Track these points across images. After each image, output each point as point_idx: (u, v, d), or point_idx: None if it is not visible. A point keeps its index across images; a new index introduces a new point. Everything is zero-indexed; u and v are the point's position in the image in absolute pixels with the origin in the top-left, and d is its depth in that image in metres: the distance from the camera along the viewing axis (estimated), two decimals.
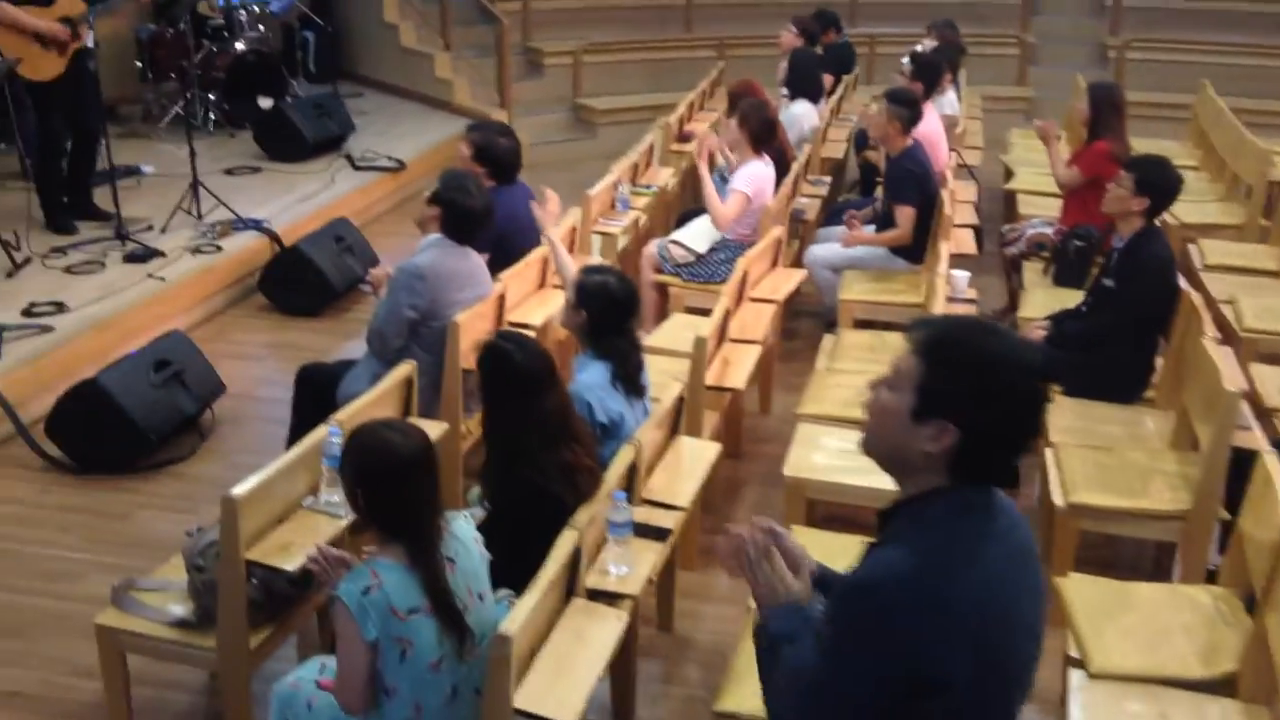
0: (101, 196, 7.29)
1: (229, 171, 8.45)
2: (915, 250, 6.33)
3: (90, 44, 6.84)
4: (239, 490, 3.19)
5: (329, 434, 3.54)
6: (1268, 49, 11.07)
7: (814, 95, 7.85)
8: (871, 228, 6.52)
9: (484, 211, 4.65)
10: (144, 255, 6.70)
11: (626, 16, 11.70)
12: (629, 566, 3.28)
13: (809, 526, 4.00)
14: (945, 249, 5.29)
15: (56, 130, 6.90)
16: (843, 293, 6.03)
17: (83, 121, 7.03)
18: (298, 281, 6.87)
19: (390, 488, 2.73)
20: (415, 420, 4.14)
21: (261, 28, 9.82)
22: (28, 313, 5.90)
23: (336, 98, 9.79)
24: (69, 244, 6.83)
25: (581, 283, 3.93)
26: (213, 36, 9.51)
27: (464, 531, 2.88)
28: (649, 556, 3.37)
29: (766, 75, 10.15)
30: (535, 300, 5.27)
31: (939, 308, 4.62)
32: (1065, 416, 4.71)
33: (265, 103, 9.43)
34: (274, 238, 7.27)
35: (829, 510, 4.46)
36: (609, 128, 10.58)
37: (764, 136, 6.22)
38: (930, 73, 7.17)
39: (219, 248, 6.96)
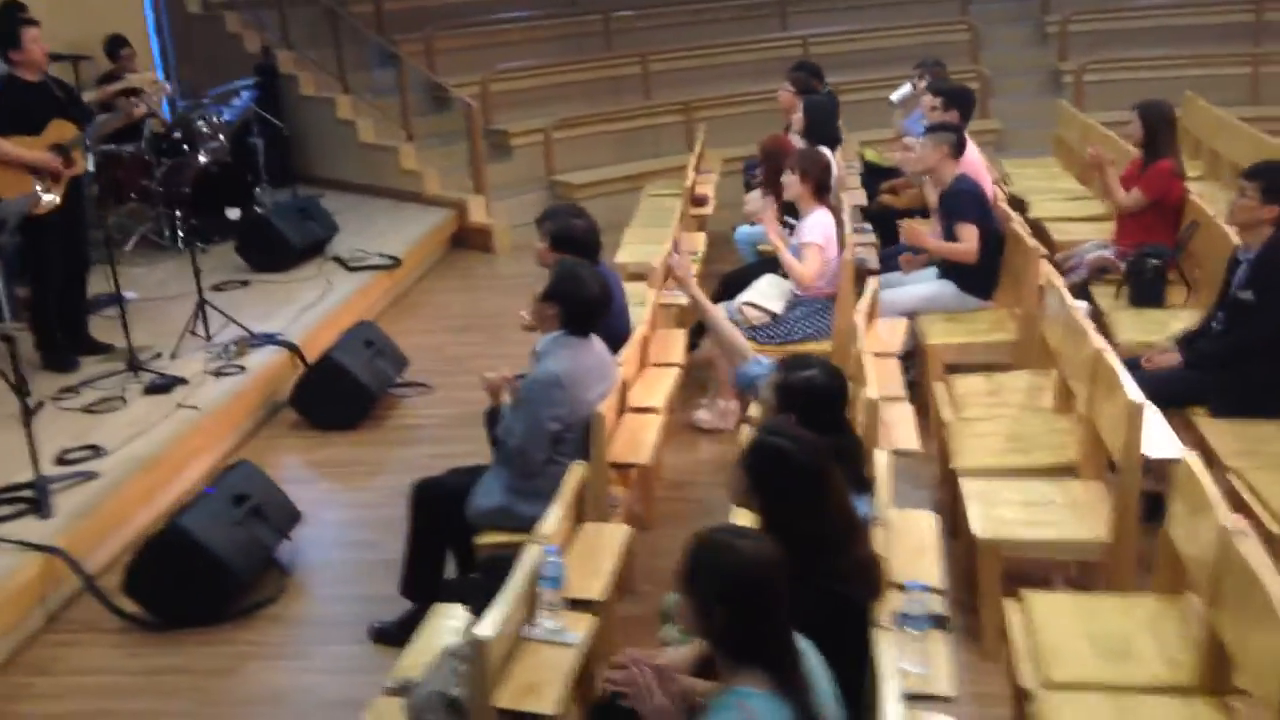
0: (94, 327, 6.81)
1: (217, 287, 7.95)
2: (984, 285, 6.13)
3: (90, 168, 6.35)
4: (485, 630, 2.77)
5: (544, 553, 3.14)
6: (1219, 58, 11.28)
7: (832, 142, 7.66)
8: (932, 270, 6.30)
9: (604, 296, 4.30)
10: (165, 385, 6.20)
11: (582, 91, 11.50)
12: (925, 665, 2.93)
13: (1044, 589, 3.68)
14: (1058, 280, 5.07)
15: (53, 264, 6.38)
16: (928, 339, 5.78)
17: (75, 252, 6.53)
18: (334, 393, 6.40)
19: (757, 604, 2.37)
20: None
21: (221, 138, 9.36)
22: (62, 461, 5.37)
23: (312, 199, 9.37)
24: (79, 382, 6.30)
25: (784, 383, 3.45)
26: (169, 152, 9.02)
27: (811, 652, 2.51)
28: (941, 649, 3.00)
29: (740, 133, 10.06)
30: (642, 383, 4.92)
31: (1094, 343, 4.37)
32: (1225, 439, 4.51)
33: (233, 214, 8.97)
34: (295, 350, 6.82)
35: (1016, 568, 4.17)
36: (587, 202, 10.26)
37: (825, 185, 6.00)
38: (963, 100, 7.03)
39: (242, 368, 6.49)
